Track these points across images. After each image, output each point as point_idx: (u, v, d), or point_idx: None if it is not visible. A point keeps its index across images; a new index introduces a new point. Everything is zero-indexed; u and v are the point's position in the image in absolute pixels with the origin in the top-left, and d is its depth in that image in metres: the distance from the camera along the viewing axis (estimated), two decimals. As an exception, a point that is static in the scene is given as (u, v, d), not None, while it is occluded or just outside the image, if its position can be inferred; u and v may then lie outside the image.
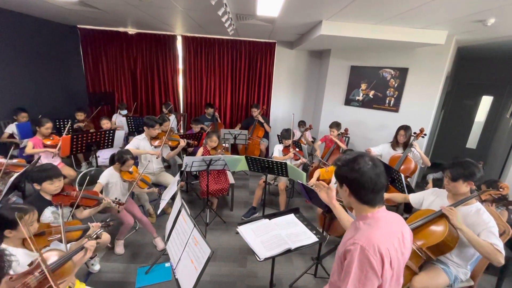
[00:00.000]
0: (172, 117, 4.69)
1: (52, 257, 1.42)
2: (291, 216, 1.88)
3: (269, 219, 1.83)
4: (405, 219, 2.17)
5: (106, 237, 2.20)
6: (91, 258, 2.33)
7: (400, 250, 1.00)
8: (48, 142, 3.11)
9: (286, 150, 3.46)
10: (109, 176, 2.49)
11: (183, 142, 3.23)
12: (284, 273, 2.50)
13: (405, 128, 3.22)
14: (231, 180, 3.44)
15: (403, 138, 3.22)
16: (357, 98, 4.56)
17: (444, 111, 5.06)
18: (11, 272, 1.26)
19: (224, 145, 3.99)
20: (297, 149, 3.50)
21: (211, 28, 4.45)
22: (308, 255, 2.71)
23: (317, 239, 1.67)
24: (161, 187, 3.21)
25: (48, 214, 1.93)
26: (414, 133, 3.20)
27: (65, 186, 2.10)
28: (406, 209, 3.21)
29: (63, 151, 2.94)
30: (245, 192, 4.13)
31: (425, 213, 1.88)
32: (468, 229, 1.62)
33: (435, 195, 1.95)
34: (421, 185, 4.33)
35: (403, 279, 1.09)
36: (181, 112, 5.74)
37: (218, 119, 5.12)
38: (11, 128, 3.54)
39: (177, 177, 2.38)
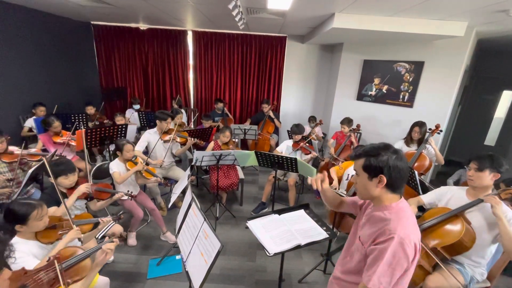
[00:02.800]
0: (183, 112, 4.73)
1: (69, 254, 1.42)
2: (301, 212, 1.86)
3: (279, 215, 1.82)
4: (418, 217, 2.11)
5: (118, 228, 2.27)
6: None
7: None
8: (58, 140, 3.15)
9: (295, 145, 3.43)
10: (116, 167, 2.54)
11: (190, 141, 3.24)
12: (293, 268, 2.50)
13: (420, 124, 3.12)
14: (241, 175, 3.45)
15: (417, 134, 3.13)
16: (369, 93, 4.45)
17: (462, 107, 4.86)
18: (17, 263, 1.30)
19: (234, 140, 4.00)
20: (307, 144, 3.46)
21: (221, 23, 4.42)
22: (317, 251, 2.70)
23: (327, 235, 1.66)
24: (172, 181, 3.26)
25: (63, 207, 1.99)
26: (429, 129, 3.10)
27: (80, 180, 2.16)
28: (419, 207, 3.13)
29: (78, 145, 3.02)
30: (254, 187, 4.14)
31: (440, 211, 1.82)
32: (507, 221, 1.54)
33: (452, 193, 1.88)
34: (436, 184, 4.21)
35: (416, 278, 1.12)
36: (192, 107, 5.78)
37: (228, 114, 5.13)
38: (30, 123, 3.67)
39: (188, 171, 2.40)
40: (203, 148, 3.65)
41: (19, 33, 3.79)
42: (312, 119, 4.71)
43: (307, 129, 4.55)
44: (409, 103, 4.04)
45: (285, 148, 3.48)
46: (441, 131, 3.11)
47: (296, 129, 3.42)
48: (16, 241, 1.46)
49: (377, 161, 1.03)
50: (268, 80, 5.55)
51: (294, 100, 5.79)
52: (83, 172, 3.20)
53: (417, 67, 3.87)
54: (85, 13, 4.28)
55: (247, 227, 3.01)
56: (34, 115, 3.74)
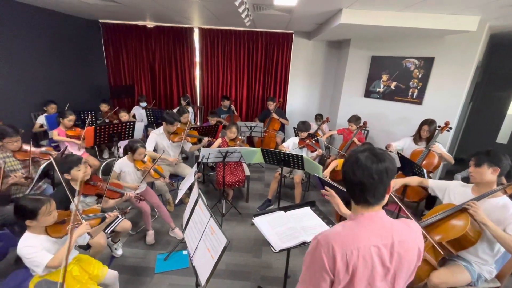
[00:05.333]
0: (190, 110, 4.76)
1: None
2: (307, 209, 1.86)
3: (285, 211, 1.82)
4: (422, 214, 2.09)
5: (127, 224, 2.31)
6: (114, 242, 2.46)
7: (380, 263, 0.87)
8: (71, 134, 3.26)
9: (302, 142, 3.42)
10: (122, 165, 2.56)
11: (205, 141, 3.25)
12: (299, 265, 2.51)
13: (429, 123, 3.06)
14: (247, 172, 3.47)
15: (426, 133, 3.07)
16: (377, 89, 4.39)
17: (473, 104, 4.74)
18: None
19: (240, 137, 4.01)
20: (313, 141, 3.45)
21: (227, 20, 4.42)
22: (323, 249, 2.69)
23: (333, 233, 1.65)
24: (179, 177, 3.30)
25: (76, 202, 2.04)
26: (439, 126, 3.04)
27: (93, 176, 2.20)
28: (428, 206, 3.10)
29: (87, 141, 3.08)
30: (260, 184, 4.15)
31: (445, 207, 1.81)
32: (493, 224, 1.53)
33: (458, 189, 1.86)
34: (445, 181, 4.14)
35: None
36: (198, 104, 5.82)
37: (235, 111, 5.14)
38: (41, 120, 3.76)
39: (194, 168, 2.42)
40: (209, 145, 3.67)
41: (30, 32, 3.87)
42: (318, 117, 4.68)
43: (314, 126, 4.52)
44: (418, 100, 3.97)
45: (291, 145, 3.47)
46: (450, 128, 3.05)
47: (303, 126, 3.41)
48: (27, 236, 1.50)
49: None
50: (274, 77, 5.53)
51: (300, 97, 5.76)
52: (93, 168, 3.27)
53: (427, 63, 3.79)
54: (93, 12, 4.34)
55: (253, 224, 3.02)
56: (46, 113, 3.83)
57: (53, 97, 4.05)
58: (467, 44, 3.44)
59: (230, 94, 5.62)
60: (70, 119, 3.25)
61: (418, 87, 3.94)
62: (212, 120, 4.27)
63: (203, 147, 3.23)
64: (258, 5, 3.17)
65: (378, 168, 0.86)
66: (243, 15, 3.21)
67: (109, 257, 2.46)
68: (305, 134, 3.42)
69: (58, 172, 1.83)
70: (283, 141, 5.05)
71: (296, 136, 3.86)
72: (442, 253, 1.66)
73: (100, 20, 5.27)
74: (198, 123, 5.69)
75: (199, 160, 2.86)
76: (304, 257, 0.93)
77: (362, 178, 0.87)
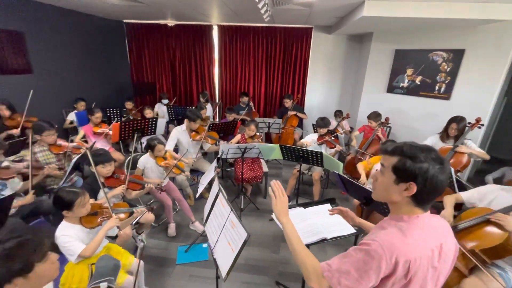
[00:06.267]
0: (209, 106, 4.83)
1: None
2: (327, 206, 1.85)
3: (304, 208, 1.82)
4: (454, 217, 1.99)
5: (150, 216, 2.42)
6: (138, 234, 2.57)
7: (432, 264, 0.86)
8: (98, 130, 3.43)
9: (320, 138, 3.37)
10: (146, 162, 2.68)
11: (223, 144, 3.30)
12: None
13: (458, 120, 2.87)
14: (265, 168, 3.48)
15: (454, 131, 2.90)
16: (401, 84, 4.22)
17: (508, 99, 4.42)
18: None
19: (258, 134, 4.02)
20: (332, 138, 3.39)
21: (246, 16, 4.42)
22: (342, 247, 2.66)
23: (354, 231, 1.63)
24: (199, 172, 3.38)
25: (102, 194, 2.16)
26: (469, 123, 2.87)
27: (116, 170, 2.33)
28: (455, 207, 2.94)
29: (113, 137, 3.23)
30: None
31: (480, 212, 1.70)
32: None
33: (496, 193, 1.74)
34: (474, 182, 3.92)
35: None
36: (217, 101, 5.89)
37: (253, 108, 5.15)
38: (71, 116, 3.99)
39: (214, 163, 2.47)
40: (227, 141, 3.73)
41: (61, 33, 4.10)
42: (338, 113, 4.58)
43: (333, 123, 4.44)
44: (446, 95, 3.77)
45: (310, 141, 3.43)
46: (482, 125, 2.87)
47: (322, 122, 3.36)
48: (64, 225, 1.62)
49: (414, 166, 0.84)
50: (292, 73, 5.47)
51: (319, 94, 5.66)
52: (117, 162, 3.43)
53: (456, 56, 3.58)
54: (118, 12, 4.51)
55: (271, 220, 3.05)
56: (75, 110, 4.06)
57: (81, 95, 4.28)
58: (502, 35, 3.20)
59: (248, 90, 5.64)
60: (97, 116, 3.44)
61: (446, 82, 3.73)
62: (230, 117, 4.31)
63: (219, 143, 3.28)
64: (278, 0, 3.14)
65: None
66: (262, 11, 3.19)
67: (133, 248, 2.58)
68: (324, 131, 3.37)
69: (92, 164, 1.94)
70: (301, 137, 5.01)
71: (315, 132, 3.81)
72: (475, 261, 1.56)
73: (124, 21, 5.47)
74: (217, 120, 5.77)
75: (219, 156, 2.91)
76: (351, 250, 0.88)
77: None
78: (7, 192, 2.07)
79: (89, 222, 1.69)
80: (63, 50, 4.18)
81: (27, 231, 0.92)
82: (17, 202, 2.04)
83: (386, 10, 2.86)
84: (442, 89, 3.79)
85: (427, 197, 0.87)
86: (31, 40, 3.66)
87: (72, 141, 2.87)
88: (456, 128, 2.88)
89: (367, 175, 2.79)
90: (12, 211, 2.03)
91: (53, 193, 2.50)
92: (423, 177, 0.83)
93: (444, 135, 3.02)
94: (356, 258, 0.84)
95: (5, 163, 2.16)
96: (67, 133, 4.05)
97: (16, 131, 3.03)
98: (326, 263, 0.89)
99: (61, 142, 2.68)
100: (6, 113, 3.12)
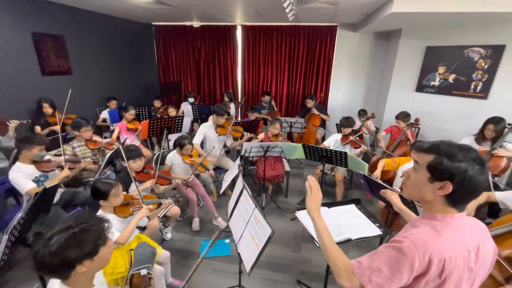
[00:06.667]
0: (232, 105, 4.91)
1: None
2: (352, 207, 1.82)
3: (328, 208, 1.81)
4: (488, 224, 1.87)
5: (177, 210, 2.52)
6: (165, 227, 2.69)
7: (468, 265, 0.84)
8: (131, 127, 3.66)
9: (345, 138, 3.30)
10: (173, 158, 2.81)
11: (246, 135, 3.38)
12: (339, 264, 2.46)
13: (496, 121, 2.68)
14: (287, 167, 3.48)
15: (491, 133, 2.71)
16: (432, 83, 4.02)
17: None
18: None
19: (281, 133, 4.04)
20: (357, 138, 3.31)
21: (270, 15, 4.43)
22: (365, 249, 2.58)
23: (380, 232, 1.59)
24: (221, 170, 3.46)
25: (134, 187, 2.30)
26: (509, 124, 2.67)
27: (146, 165, 2.46)
28: (491, 213, 2.76)
29: (143, 134, 3.41)
30: (299, 180, 4.13)
31: (518, 217, 1.60)
32: None
33: None
34: (513, 187, 3.64)
35: None
36: (239, 100, 5.97)
37: (275, 107, 5.16)
38: (104, 114, 4.26)
39: (238, 161, 2.52)
40: (248, 140, 3.79)
41: (95, 37, 4.39)
42: (362, 112, 4.46)
43: (357, 123, 4.32)
44: (483, 94, 3.53)
45: (333, 142, 3.38)
46: (524, 126, 2.66)
47: (346, 122, 3.29)
48: (100, 214, 1.75)
49: (451, 165, 0.80)
50: (316, 72, 5.40)
51: (343, 93, 5.54)
52: (145, 158, 3.61)
53: (496, 52, 3.34)
54: (148, 15, 4.73)
55: (292, 219, 3.05)
56: (108, 108, 4.32)
57: (112, 94, 4.55)
58: (549, 28, 2.94)
59: (270, 90, 5.66)
60: (131, 113, 3.67)
61: (483, 80, 3.50)
62: (252, 116, 4.36)
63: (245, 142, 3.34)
64: (303, -1, 3.13)
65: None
66: (287, 10, 3.19)
67: (160, 240, 2.71)
68: (348, 130, 3.30)
69: (125, 159, 2.07)
70: (323, 137, 4.93)
71: (338, 132, 3.74)
72: (510, 270, 1.47)
73: (153, 23, 5.71)
74: (239, 119, 5.85)
75: (242, 154, 2.96)
76: (382, 247, 0.87)
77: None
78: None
79: (122, 211, 1.81)
80: (98, 52, 4.47)
81: (90, 218, 1.02)
82: (58, 176, 2.25)
83: (417, 5, 2.74)
84: (479, 87, 3.56)
85: (463, 198, 0.85)
86: (71, 43, 3.96)
87: (105, 137, 3.07)
88: (493, 129, 2.69)
89: (392, 175, 2.70)
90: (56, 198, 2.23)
91: (89, 185, 2.71)
92: (461, 177, 0.80)
93: (480, 136, 2.83)
94: (387, 255, 0.83)
95: (47, 157, 2.36)
96: (100, 130, 4.32)
97: (57, 128, 3.30)
98: (357, 260, 0.89)
99: (96, 138, 2.88)
100: (49, 110, 3.40)
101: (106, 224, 1.04)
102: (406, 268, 0.79)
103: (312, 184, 1.08)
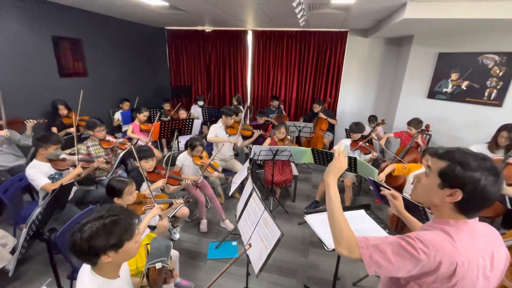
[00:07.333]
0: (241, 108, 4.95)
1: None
2: (362, 212, 1.81)
3: (337, 212, 1.80)
4: (502, 235, 1.82)
5: (186, 211, 2.55)
6: (174, 227, 2.73)
7: (483, 273, 0.82)
8: (144, 127, 3.79)
9: (354, 144, 3.29)
10: (184, 159, 2.86)
11: (256, 133, 3.44)
12: (347, 270, 2.43)
13: (510, 129, 2.62)
14: (295, 172, 3.48)
15: (505, 140, 2.65)
16: (444, 90, 3.96)
17: None
18: None
19: (288, 137, 4.05)
20: (367, 143, 3.29)
21: (281, 21, 4.48)
22: (374, 257, 2.56)
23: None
24: (230, 172, 3.48)
25: (145, 187, 2.34)
26: (524, 132, 2.61)
27: (157, 166, 2.51)
28: (505, 223, 2.69)
29: (154, 135, 3.48)
30: (307, 185, 4.11)
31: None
32: None
33: None
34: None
35: None
36: (248, 104, 6.02)
37: (283, 112, 5.18)
38: (117, 115, 4.37)
39: (247, 163, 2.55)
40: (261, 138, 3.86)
41: (110, 40, 4.52)
42: (372, 118, 4.43)
43: (367, 129, 4.30)
44: (497, 101, 3.46)
45: (342, 147, 3.36)
46: (541, 135, 2.59)
47: (356, 127, 3.28)
48: None
49: (464, 174, 0.79)
50: (325, 77, 5.40)
51: (352, 98, 5.51)
52: (156, 160, 3.68)
53: (511, 59, 3.28)
54: (161, 20, 4.85)
55: (300, 223, 3.04)
56: (121, 109, 4.44)
57: (125, 96, 4.66)
58: None
59: (279, 94, 5.68)
60: (144, 114, 3.79)
61: (498, 87, 3.44)
62: (261, 120, 4.38)
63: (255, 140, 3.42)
64: (315, 5, 3.16)
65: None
66: (298, 15, 3.23)
67: (168, 240, 2.74)
68: (358, 136, 3.28)
69: (137, 159, 2.12)
70: (331, 142, 4.91)
71: (347, 138, 3.73)
72: None
73: (166, 27, 5.85)
74: (247, 122, 5.88)
75: (251, 157, 2.98)
76: (394, 236, 0.88)
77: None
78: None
79: (135, 209, 1.85)
80: (112, 55, 4.60)
81: (122, 211, 1.07)
82: (71, 174, 2.32)
83: (430, 11, 2.73)
84: (493, 95, 3.49)
85: (473, 207, 0.84)
86: (87, 47, 4.10)
87: (117, 138, 3.14)
88: (507, 136, 2.63)
89: (403, 181, 2.66)
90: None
91: (101, 184, 2.77)
92: (472, 187, 0.79)
93: (493, 144, 2.77)
94: (397, 243, 0.82)
95: (62, 156, 2.44)
96: (113, 130, 4.43)
97: (72, 130, 3.40)
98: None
99: (109, 137, 2.96)
100: (65, 112, 3.52)
101: (136, 220, 1.08)
102: (412, 262, 0.80)
103: (341, 151, 1.11)
